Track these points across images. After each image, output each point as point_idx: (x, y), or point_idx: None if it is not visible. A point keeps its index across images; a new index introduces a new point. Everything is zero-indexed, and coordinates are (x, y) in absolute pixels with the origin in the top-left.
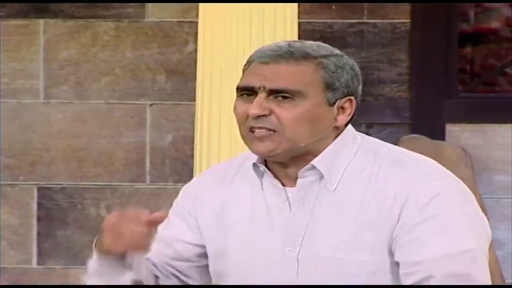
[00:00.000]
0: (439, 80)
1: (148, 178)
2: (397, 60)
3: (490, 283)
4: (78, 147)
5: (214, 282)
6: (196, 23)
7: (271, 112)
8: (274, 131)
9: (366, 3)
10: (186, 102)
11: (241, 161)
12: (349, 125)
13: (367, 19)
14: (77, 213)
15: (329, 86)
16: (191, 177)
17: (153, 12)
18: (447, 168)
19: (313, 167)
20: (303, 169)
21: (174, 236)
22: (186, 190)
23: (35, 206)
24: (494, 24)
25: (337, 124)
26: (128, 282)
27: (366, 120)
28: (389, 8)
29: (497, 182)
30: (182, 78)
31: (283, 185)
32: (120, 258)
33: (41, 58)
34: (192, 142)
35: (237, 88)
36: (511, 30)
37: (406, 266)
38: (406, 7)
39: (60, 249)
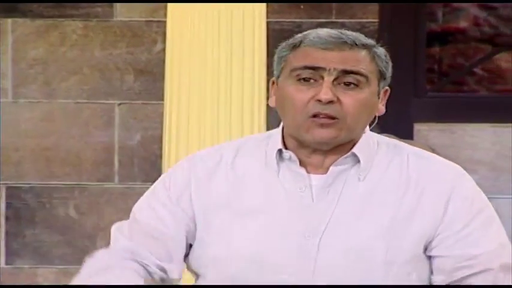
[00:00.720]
0: (408, 79)
1: (117, 178)
2: None
3: None
4: (47, 146)
5: (205, 267)
6: (165, 22)
7: (338, 100)
8: (336, 118)
9: (334, 3)
10: (154, 102)
11: (236, 145)
12: None
13: (336, 19)
14: (45, 213)
15: (382, 75)
16: (159, 176)
17: (122, 12)
18: None
19: (352, 155)
20: (342, 157)
21: (164, 232)
22: (174, 176)
23: (3, 205)
24: (462, 24)
25: (378, 114)
26: None
27: None
28: (358, 7)
29: None
30: (151, 78)
31: (307, 172)
32: None
33: (9, 57)
34: (161, 142)
35: (294, 69)
36: (479, 29)
37: (462, 259)
38: (375, 7)
39: (29, 249)
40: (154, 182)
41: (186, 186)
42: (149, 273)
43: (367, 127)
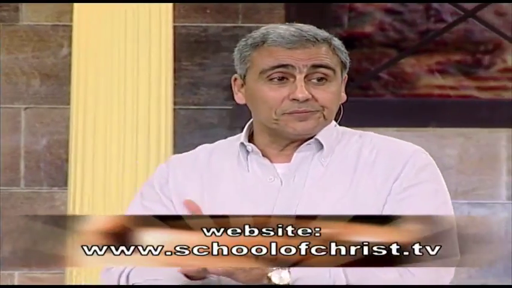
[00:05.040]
0: None
1: (22, 182)
2: None
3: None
4: None
5: None
6: (71, 26)
7: (312, 97)
8: (316, 111)
9: (240, 8)
10: (61, 106)
11: (211, 147)
12: None
13: (242, 23)
14: None
15: (344, 65)
16: (66, 181)
17: (28, 16)
18: None
19: (316, 142)
20: (305, 143)
21: None
22: (159, 171)
23: None
24: (368, 29)
25: (342, 101)
26: None
27: (241, 124)
28: (264, 12)
29: None
30: (57, 82)
31: (271, 161)
32: None
33: None
34: (67, 146)
35: (263, 71)
36: (384, 34)
37: None
38: (281, 11)
39: None
40: (60, 186)
41: (166, 182)
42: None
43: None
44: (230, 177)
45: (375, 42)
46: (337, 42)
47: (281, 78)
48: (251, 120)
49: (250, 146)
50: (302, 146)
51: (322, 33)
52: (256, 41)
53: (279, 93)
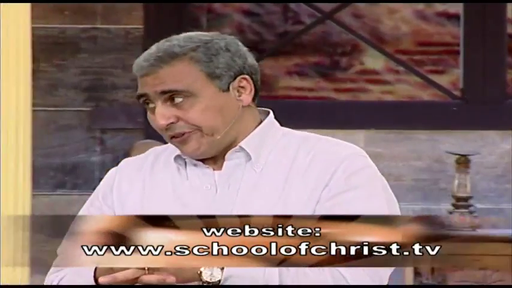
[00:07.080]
0: None
1: None
2: (131, 65)
3: None
4: None
5: None
6: None
7: (178, 119)
8: (190, 131)
9: (99, 9)
10: None
11: (159, 151)
12: (271, 113)
13: (101, 24)
14: None
15: (211, 76)
16: None
17: None
18: None
19: (241, 149)
20: (231, 151)
21: None
22: (107, 177)
23: None
24: (226, 31)
25: (243, 104)
26: None
27: (100, 126)
28: (122, 14)
29: None
30: None
31: (213, 169)
32: None
33: None
34: None
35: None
36: (243, 36)
37: None
38: (139, 13)
39: None
40: None
41: (110, 190)
42: None
43: (268, 119)
44: (169, 186)
45: None
46: (199, 53)
47: (149, 105)
48: None
49: (187, 159)
50: (228, 153)
51: (182, 47)
52: None
53: (155, 121)
